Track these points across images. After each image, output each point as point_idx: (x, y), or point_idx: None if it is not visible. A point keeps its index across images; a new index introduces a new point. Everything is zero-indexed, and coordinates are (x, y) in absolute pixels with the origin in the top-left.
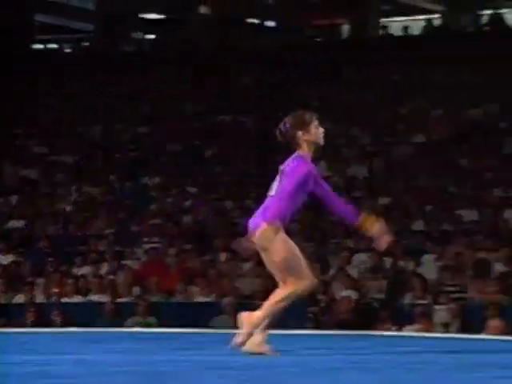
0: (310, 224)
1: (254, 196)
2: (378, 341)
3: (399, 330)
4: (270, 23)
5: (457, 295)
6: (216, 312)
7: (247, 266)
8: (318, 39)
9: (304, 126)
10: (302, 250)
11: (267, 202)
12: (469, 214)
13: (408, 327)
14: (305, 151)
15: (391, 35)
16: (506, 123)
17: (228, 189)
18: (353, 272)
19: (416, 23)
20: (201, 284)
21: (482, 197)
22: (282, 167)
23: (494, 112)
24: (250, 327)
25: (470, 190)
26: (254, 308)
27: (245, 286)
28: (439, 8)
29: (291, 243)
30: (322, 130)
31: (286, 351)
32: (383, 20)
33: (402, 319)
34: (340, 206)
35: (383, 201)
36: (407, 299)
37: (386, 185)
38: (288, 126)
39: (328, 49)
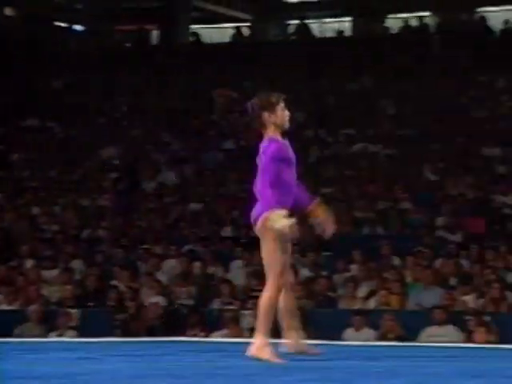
0: (118, 230)
1: (62, 202)
2: (186, 346)
3: (207, 335)
4: (79, 27)
5: None
6: (21, 320)
7: (54, 272)
8: (128, 44)
9: (270, 107)
10: (112, 255)
11: (258, 193)
12: None
13: (216, 333)
14: (272, 133)
15: (200, 42)
16: (311, 131)
17: (35, 194)
18: (162, 278)
19: (226, 31)
20: (5, 291)
21: None
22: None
23: (299, 120)
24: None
25: None
26: (60, 314)
27: (51, 293)
28: (248, 17)
29: (278, 246)
30: (287, 113)
31: (92, 359)
32: (193, 27)
33: (210, 325)
34: (299, 191)
35: (194, 207)
36: (216, 305)
37: (196, 191)
38: (255, 107)
39: (138, 55)
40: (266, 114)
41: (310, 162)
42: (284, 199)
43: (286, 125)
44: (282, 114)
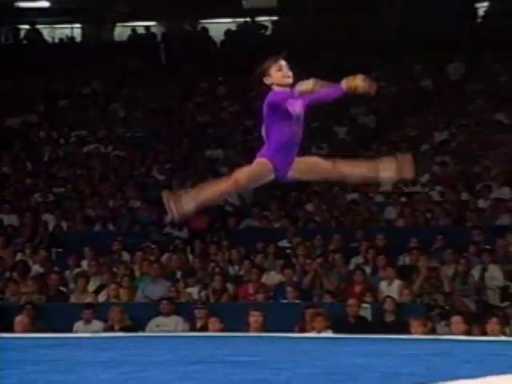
0: None
1: None
2: None
3: None
4: None
5: None
6: None
7: None
8: None
9: (265, 72)
10: None
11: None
12: (9, 219)
13: None
14: None
15: None
16: (44, 132)
17: None
18: None
19: None
20: None
21: (21, 202)
22: None
23: (33, 121)
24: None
25: (10, 195)
26: None
27: None
28: None
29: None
30: (285, 70)
31: None
32: None
33: None
34: (328, 94)
35: None
36: None
37: None
38: (257, 76)
39: None
40: (264, 79)
41: (42, 161)
42: (270, 153)
43: (284, 82)
44: (277, 74)
